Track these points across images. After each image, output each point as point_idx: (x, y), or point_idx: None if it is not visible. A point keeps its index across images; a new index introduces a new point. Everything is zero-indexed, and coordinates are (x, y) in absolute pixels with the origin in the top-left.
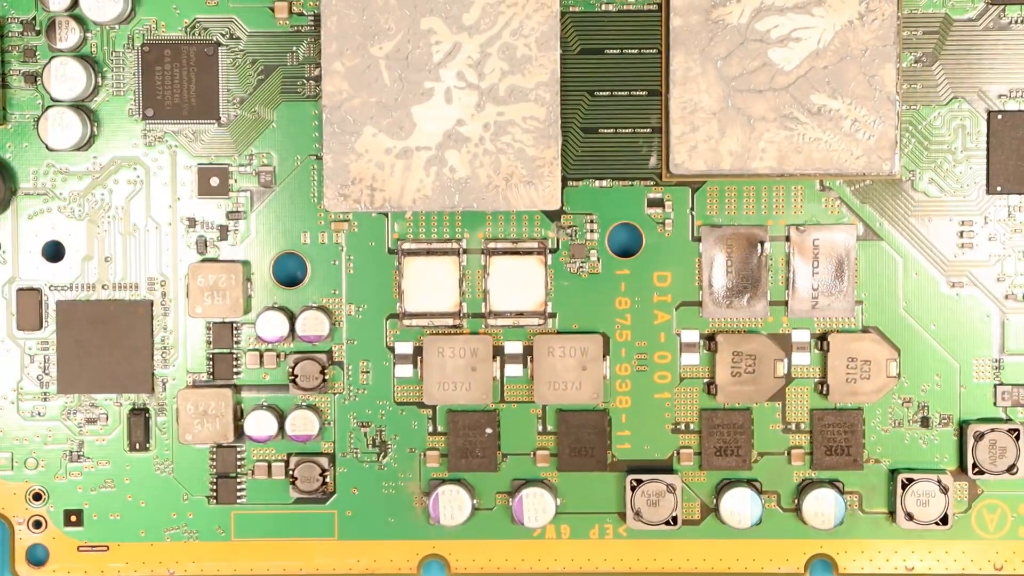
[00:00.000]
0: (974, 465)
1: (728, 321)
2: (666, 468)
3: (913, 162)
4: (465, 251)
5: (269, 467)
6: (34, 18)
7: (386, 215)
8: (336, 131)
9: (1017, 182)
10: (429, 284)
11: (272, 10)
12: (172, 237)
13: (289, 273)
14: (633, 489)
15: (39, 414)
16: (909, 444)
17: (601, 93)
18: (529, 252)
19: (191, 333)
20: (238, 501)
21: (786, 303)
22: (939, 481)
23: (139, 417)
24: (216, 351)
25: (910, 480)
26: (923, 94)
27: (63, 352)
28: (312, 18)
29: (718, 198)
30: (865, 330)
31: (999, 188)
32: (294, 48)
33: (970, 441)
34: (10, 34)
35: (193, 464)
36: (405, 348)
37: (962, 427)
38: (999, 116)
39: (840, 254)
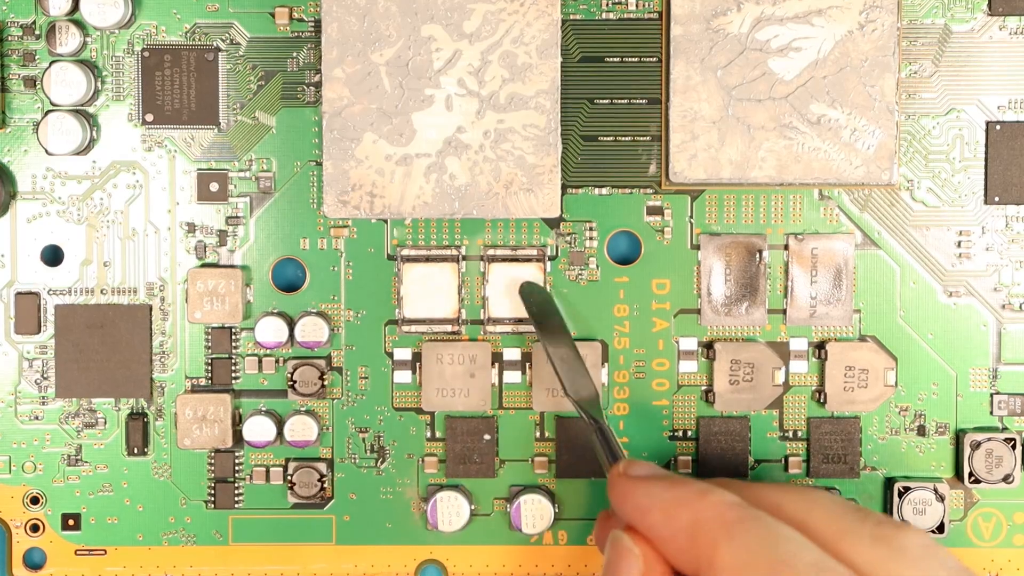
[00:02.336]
0: (970, 474)
1: (726, 329)
2: None
3: (912, 172)
4: (464, 258)
5: (267, 472)
6: (34, 22)
7: (385, 221)
8: (336, 137)
9: (1015, 192)
10: (428, 290)
11: (273, 16)
12: (171, 242)
13: (288, 279)
14: None
15: (37, 418)
16: (906, 452)
17: (601, 101)
18: (528, 259)
19: (190, 338)
20: (236, 506)
21: (784, 311)
22: (935, 490)
23: (137, 422)
24: (215, 356)
25: (907, 488)
26: (922, 104)
27: (61, 356)
28: (313, 24)
29: (717, 206)
30: (863, 339)
31: (997, 198)
32: (294, 54)
33: (966, 450)
34: (10, 38)
35: (191, 469)
36: (404, 354)
37: (959, 436)
38: (997, 127)
39: (838, 263)
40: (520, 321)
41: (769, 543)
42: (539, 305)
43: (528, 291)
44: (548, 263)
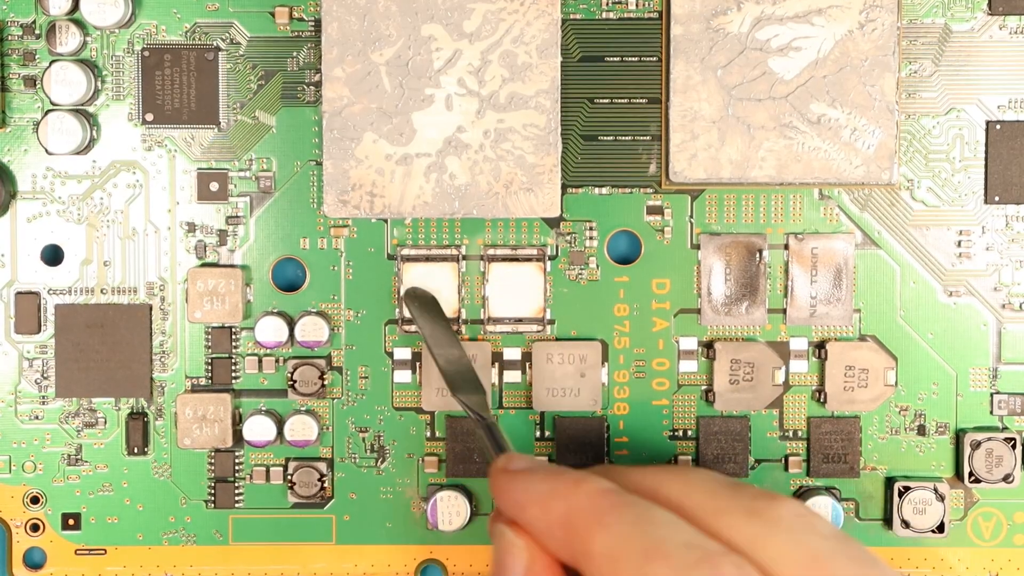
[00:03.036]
0: (970, 473)
1: (726, 328)
2: None
3: (912, 171)
4: (464, 257)
5: (267, 472)
6: (34, 22)
7: (385, 221)
8: (336, 137)
9: (1015, 192)
10: (428, 290)
11: (273, 15)
12: (171, 241)
13: (288, 278)
14: None
15: (37, 417)
16: (906, 452)
17: (601, 101)
18: (528, 259)
19: (190, 338)
20: (236, 505)
21: (784, 311)
22: (935, 489)
23: (137, 421)
24: (215, 356)
25: (907, 488)
26: (922, 104)
27: (61, 356)
28: (313, 23)
29: (717, 206)
30: (863, 338)
31: (997, 198)
32: (295, 53)
33: (967, 449)
34: (10, 37)
35: (191, 468)
36: (404, 354)
37: (959, 435)
38: (997, 126)
39: (838, 262)
40: (520, 320)
41: (641, 527)
42: (423, 308)
43: (412, 295)
44: (548, 263)
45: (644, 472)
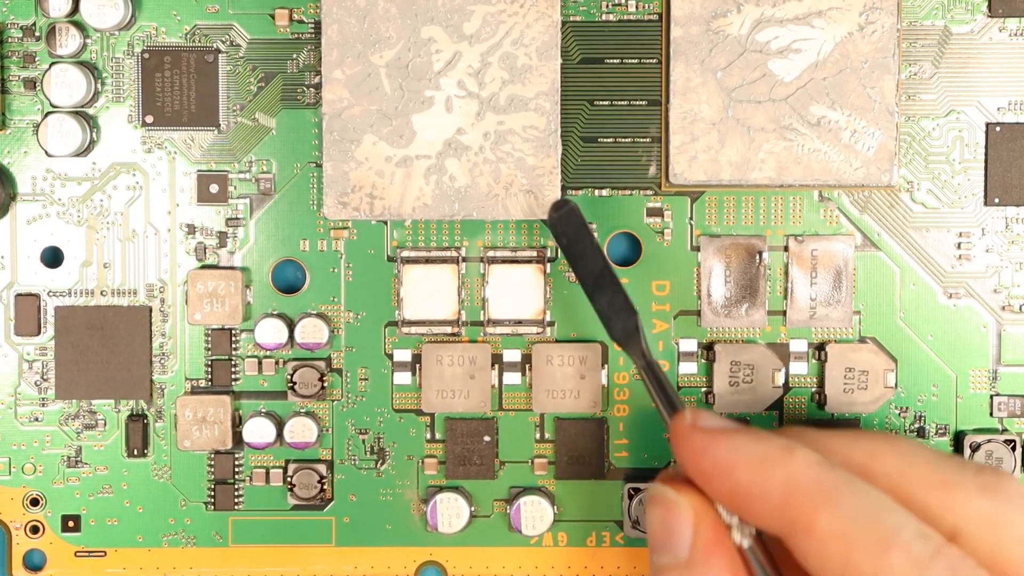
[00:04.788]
0: None
1: (726, 330)
2: None
3: (912, 173)
4: (464, 259)
5: (267, 474)
6: (34, 24)
7: (385, 223)
8: (336, 139)
9: (1015, 194)
10: (428, 292)
11: (273, 17)
12: (171, 243)
13: (288, 280)
14: (631, 497)
15: (37, 419)
16: None
17: (601, 103)
18: (528, 261)
19: (190, 340)
20: (236, 507)
21: (784, 313)
22: None
23: (137, 423)
24: (215, 358)
25: None
26: (922, 106)
27: (61, 358)
28: (313, 25)
29: (717, 208)
30: (863, 340)
31: (997, 200)
32: (294, 55)
33: (967, 451)
34: (10, 40)
35: (191, 470)
36: (404, 355)
37: (959, 437)
38: (997, 128)
39: (838, 264)
40: (520, 322)
41: (872, 513)
42: (570, 236)
43: (555, 221)
44: (548, 264)
45: (853, 442)
